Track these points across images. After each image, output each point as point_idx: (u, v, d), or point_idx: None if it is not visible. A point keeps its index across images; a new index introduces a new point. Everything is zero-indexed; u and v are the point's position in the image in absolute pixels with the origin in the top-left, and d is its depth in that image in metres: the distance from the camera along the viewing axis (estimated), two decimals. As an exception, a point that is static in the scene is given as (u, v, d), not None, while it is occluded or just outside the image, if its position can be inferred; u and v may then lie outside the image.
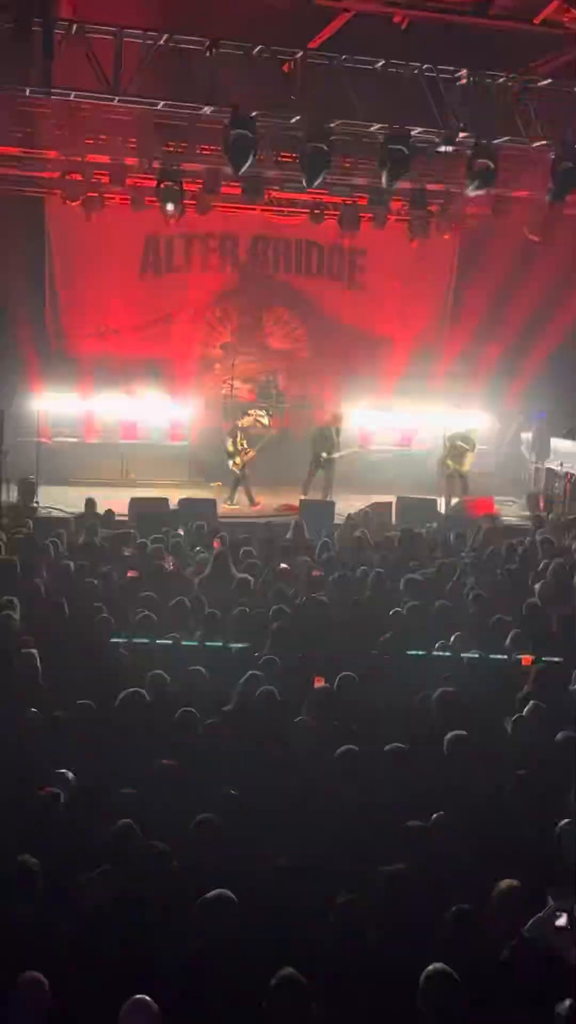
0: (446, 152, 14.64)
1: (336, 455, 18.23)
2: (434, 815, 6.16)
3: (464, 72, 13.42)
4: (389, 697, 8.24)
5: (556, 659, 9.06)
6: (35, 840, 5.80)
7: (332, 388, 21.81)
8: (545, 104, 13.94)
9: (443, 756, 7.07)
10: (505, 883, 5.37)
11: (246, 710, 7.93)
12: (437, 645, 9.44)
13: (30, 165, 17.53)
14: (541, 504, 18.29)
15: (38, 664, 8.43)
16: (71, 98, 13.48)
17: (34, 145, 16.67)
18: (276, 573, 12.05)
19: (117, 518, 14.89)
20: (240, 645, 9.28)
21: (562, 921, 5.07)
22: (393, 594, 11.18)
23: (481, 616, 10.32)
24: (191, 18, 12.77)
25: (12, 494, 16.48)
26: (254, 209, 19.94)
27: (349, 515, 15.90)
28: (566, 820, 6.09)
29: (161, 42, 12.53)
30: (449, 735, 7.08)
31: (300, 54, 12.99)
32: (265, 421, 20.87)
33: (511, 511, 18.42)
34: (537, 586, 11.62)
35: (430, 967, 4.55)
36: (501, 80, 13.66)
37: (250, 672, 8.34)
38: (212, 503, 16.17)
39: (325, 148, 13.35)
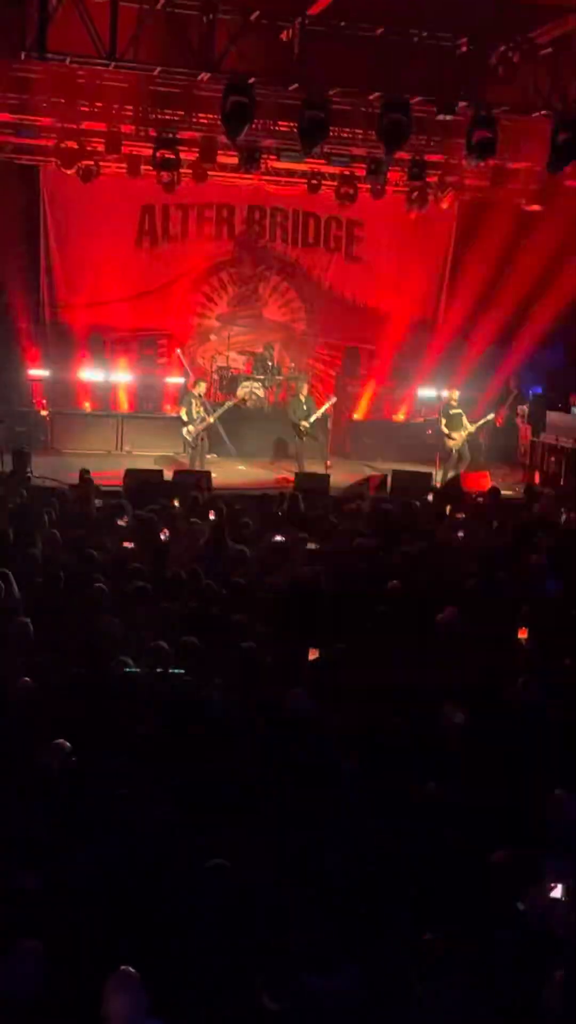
0: (445, 122, 14.52)
1: (312, 420, 18.09)
2: (428, 784, 6.17)
3: (464, 41, 13.29)
4: (385, 668, 8.24)
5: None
6: (30, 809, 5.80)
7: (328, 360, 21.74)
8: (545, 73, 13.80)
9: (440, 727, 7.07)
10: (499, 854, 5.38)
11: (240, 681, 7.92)
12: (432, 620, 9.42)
13: (24, 132, 17.36)
14: (536, 478, 18.26)
15: (31, 633, 8.42)
16: (66, 63, 13.32)
17: (29, 112, 16.48)
18: (271, 545, 12.03)
19: (112, 489, 14.83)
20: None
21: (557, 892, 5.08)
22: (387, 567, 11.17)
23: (476, 589, 10.32)
24: (189, -17, 12.64)
25: (6, 464, 16.41)
26: (251, 179, 19.79)
27: (344, 488, 15.86)
28: (559, 792, 6.09)
29: (158, 7, 12.38)
30: (447, 706, 7.08)
31: (299, 21, 12.84)
32: (260, 393, 20.76)
33: (505, 485, 18.39)
34: (532, 559, 11.62)
35: (424, 936, 4.56)
36: (501, 49, 13.51)
37: (245, 644, 8.34)
38: (207, 475, 16.11)
39: (323, 117, 13.22)
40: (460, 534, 12.99)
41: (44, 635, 8.58)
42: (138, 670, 7.82)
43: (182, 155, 17.00)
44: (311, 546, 11.94)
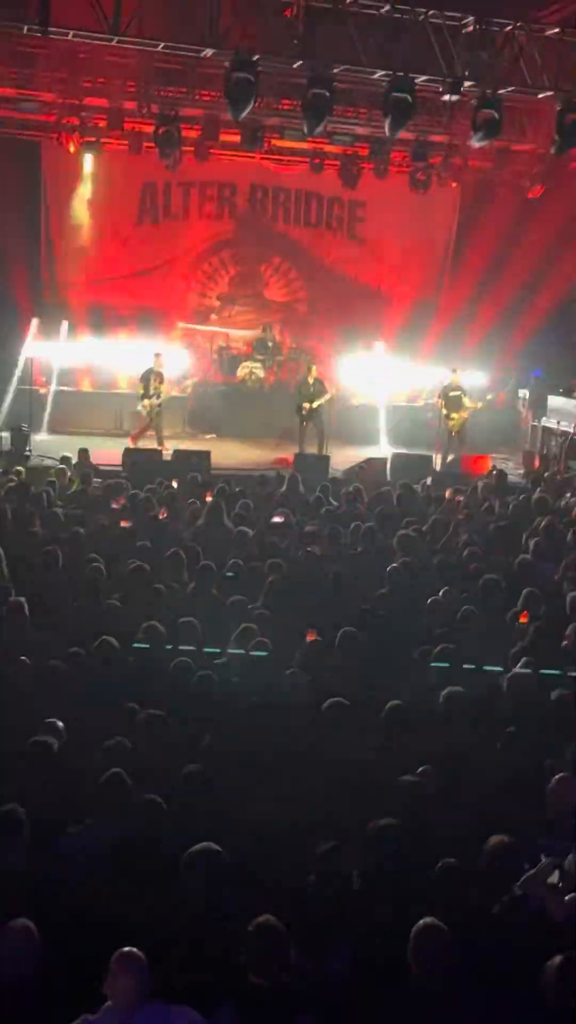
0: (450, 102, 14.41)
1: (313, 405, 18.02)
2: (421, 767, 6.15)
3: (470, 20, 13.17)
4: (383, 652, 8.22)
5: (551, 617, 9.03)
6: (25, 789, 5.78)
7: (329, 341, 21.65)
8: (552, 54, 13.68)
9: (436, 711, 7.05)
10: (496, 839, 5.35)
11: (239, 662, 7.90)
12: (429, 601, 9.40)
13: (26, 107, 17.21)
14: (536, 462, 18.21)
15: (27, 612, 8.39)
16: (69, 38, 13.19)
17: (30, 87, 16.35)
18: (270, 526, 12.00)
19: (111, 468, 14.77)
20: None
21: (554, 878, 5.07)
22: (386, 550, 11.14)
23: (475, 572, 10.28)
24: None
25: (4, 442, 16.35)
26: (253, 157, 19.68)
27: (344, 471, 15.81)
28: (558, 776, 6.07)
29: (162, -18, 12.27)
30: (444, 691, 7.05)
31: (303, -3, 12.74)
32: (260, 374, 20.69)
33: (506, 469, 18.33)
34: (531, 543, 11.58)
35: (421, 921, 4.54)
36: (508, 28, 13.40)
37: (243, 625, 8.32)
38: (206, 455, 16.06)
39: (327, 95, 13.11)
40: (460, 517, 12.95)
41: (41, 614, 8.55)
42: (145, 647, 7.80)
43: (184, 133, 16.86)
44: (309, 528, 11.91)
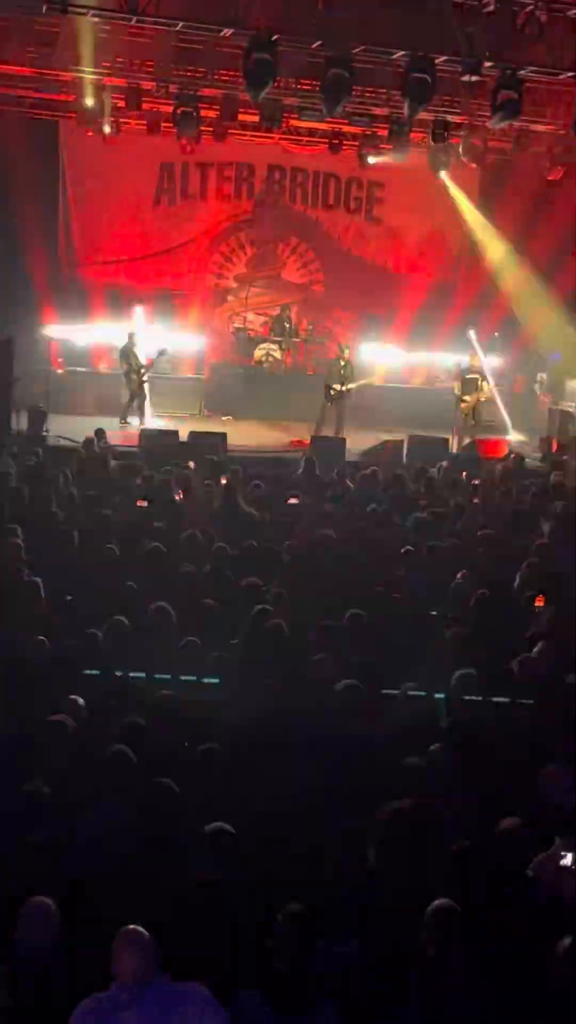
0: (470, 82, 14.30)
1: (345, 388, 18.00)
2: (431, 747, 6.17)
3: (491, -1, 13.06)
4: (397, 634, 8.24)
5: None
6: (44, 767, 5.83)
7: (346, 323, 21.60)
8: (573, 33, 13.54)
9: (450, 696, 7.07)
10: (509, 821, 5.38)
11: (254, 643, 7.92)
12: (452, 585, 9.40)
13: (45, 87, 17.17)
14: (554, 446, 18.14)
15: (42, 592, 8.43)
16: (88, 17, 13.15)
17: (49, 66, 16.30)
18: (286, 508, 12.01)
19: (128, 450, 14.79)
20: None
21: (567, 861, 5.09)
22: (402, 532, 11.14)
23: (491, 555, 10.29)
24: None
25: (22, 422, 16.39)
26: (271, 138, 19.61)
27: (360, 453, 15.79)
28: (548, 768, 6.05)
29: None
30: (457, 673, 7.06)
31: (324, -24, 12.67)
32: (277, 355, 20.66)
33: (523, 453, 18.28)
34: (547, 527, 11.57)
35: (435, 902, 4.56)
36: (528, 8, 13.25)
37: (259, 606, 8.34)
38: (223, 437, 16.06)
39: (346, 75, 13.04)
40: (476, 500, 12.94)
41: (58, 595, 8.59)
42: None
43: (203, 113, 16.80)
44: (325, 510, 11.92)
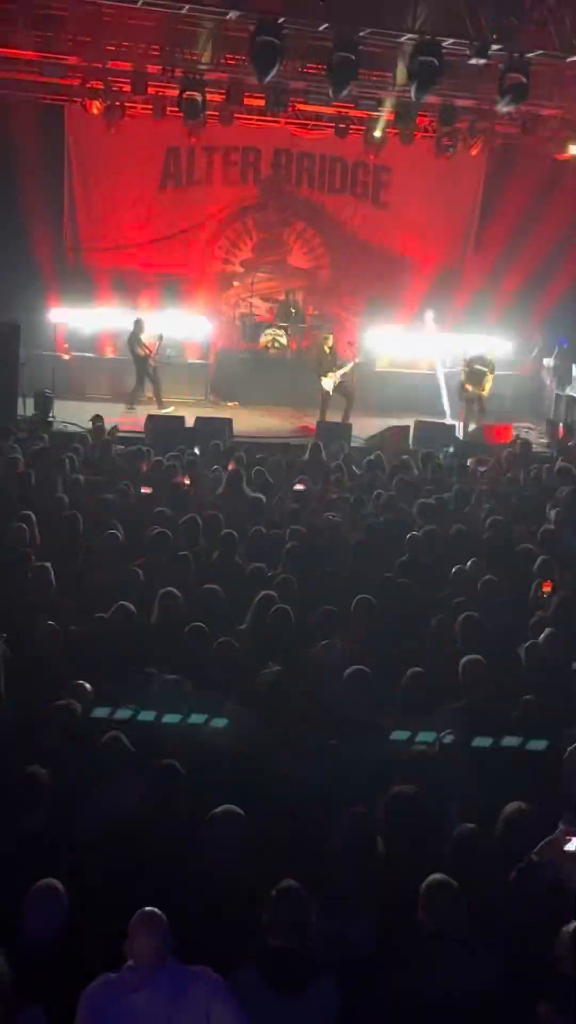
0: (477, 66, 14.23)
1: (332, 375, 17.94)
2: (440, 734, 6.18)
3: (499, -18, 13.00)
4: (404, 619, 8.24)
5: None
6: (51, 751, 5.85)
7: (352, 308, 21.55)
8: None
9: (456, 680, 7.07)
10: (513, 805, 5.39)
11: (260, 629, 7.94)
12: (454, 570, 9.39)
13: (50, 71, 17.09)
14: (561, 432, 18.12)
15: (52, 578, 8.45)
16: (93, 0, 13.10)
17: (54, 50, 16.23)
18: (291, 494, 12.01)
19: (134, 435, 14.79)
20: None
21: (572, 845, 5.10)
22: (408, 518, 11.14)
23: (497, 541, 10.28)
24: None
25: (28, 408, 16.40)
26: (278, 122, 19.52)
27: (366, 439, 15.78)
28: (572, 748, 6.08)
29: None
30: (465, 659, 7.06)
31: (330, -41, 12.59)
32: (283, 341, 20.62)
33: (529, 438, 18.27)
34: (553, 513, 11.56)
35: (431, 876, 4.60)
36: (537, -9, 13.21)
37: (264, 592, 8.34)
38: (229, 422, 16.06)
39: (353, 58, 12.98)
40: (483, 486, 12.92)
41: (65, 580, 8.61)
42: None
43: (208, 97, 16.73)
44: (332, 496, 11.91)
